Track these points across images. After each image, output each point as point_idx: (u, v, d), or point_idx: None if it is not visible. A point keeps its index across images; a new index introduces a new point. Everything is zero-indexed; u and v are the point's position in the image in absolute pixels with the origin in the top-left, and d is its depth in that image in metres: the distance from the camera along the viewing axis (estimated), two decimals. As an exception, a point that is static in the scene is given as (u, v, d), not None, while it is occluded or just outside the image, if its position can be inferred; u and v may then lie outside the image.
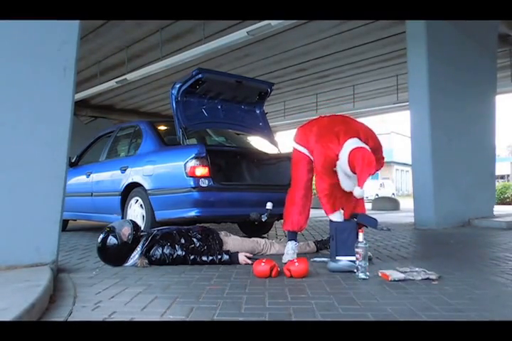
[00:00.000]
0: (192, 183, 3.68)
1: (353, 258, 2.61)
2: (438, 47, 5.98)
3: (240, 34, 6.18)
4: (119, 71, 9.06)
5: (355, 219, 3.12)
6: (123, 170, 4.44)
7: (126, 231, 2.94)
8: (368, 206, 13.89)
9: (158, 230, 3.15)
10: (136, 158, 4.45)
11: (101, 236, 2.95)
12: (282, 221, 3.31)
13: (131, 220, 3.18)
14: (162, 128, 4.75)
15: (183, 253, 2.94)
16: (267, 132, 4.75)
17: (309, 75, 10.20)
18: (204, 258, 2.94)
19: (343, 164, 2.80)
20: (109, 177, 4.75)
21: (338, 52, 8.60)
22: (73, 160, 5.59)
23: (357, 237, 2.61)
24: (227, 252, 3.00)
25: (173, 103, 4.10)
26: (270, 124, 4.91)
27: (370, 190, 24.48)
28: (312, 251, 3.54)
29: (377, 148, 3.02)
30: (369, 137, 2.96)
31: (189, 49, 7.22)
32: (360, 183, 2.75)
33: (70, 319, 1.74)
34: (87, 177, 5.13)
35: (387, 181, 28.85)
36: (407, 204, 11.98)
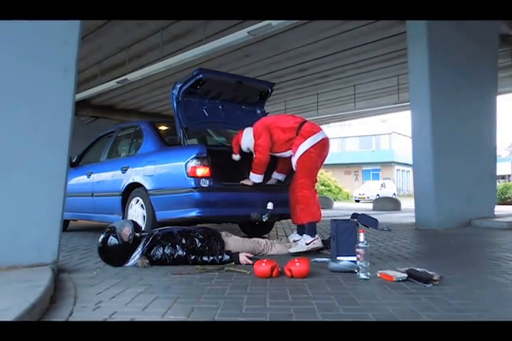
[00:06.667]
0: (193, 183, 3.68)
1: (353, 258, 2.61)
2: (439, 47, 5.98)
3: (240, 34, 6.19)
4: (119, 71, 9.07)
5: (356, 220, 3.12)
6: (124, 171, 4.44)
7: (126, 231, 2.94)
8: (369, 206, 13.94)
9: (159, 230, 3.15)
10: (137, 158, 4.45)
11: (102, 236, 2.95)
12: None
13: (131, 220, 3.19)
14: (163, 128, 4.75)
15: (184, 253, 2.94)
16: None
17: (310, 75, 10.20)
18: (205, 258, 2.94)
19: None
20: (109, 177, 4.75)
21: (338, 52, 8.60)
22: (74, 161, 5.59)
23: (358, 237, 2.60)
24: (228, 252, 3.00)
25: (173, 103, 4.10)
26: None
27: (371, 190, 24.56)
28: (313, 250, 3.53)
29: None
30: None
31: (190, 49, 7.22)
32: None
33: (70, 319, 1.74)
34: (88, 177, 5.14)
35: (388, 181, 28.88)
36: (407, 204, 11.97)
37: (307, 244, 3.41)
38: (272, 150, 3.69)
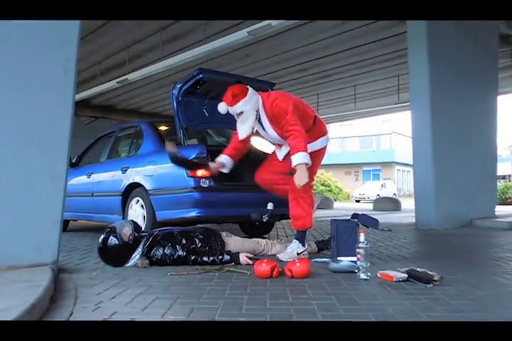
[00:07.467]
0: (193, 183, 3.68)
1: (354, 258, 2.60)
2: (439, 47, 5.97)
3: (240, 34, 6.18)
4: (119, 71, 9.06)
5: (356, 220, 3.12)
6: (124, 171, 4.45)
7: (127, 231, 2.94)
8: (369, 206, 13.94)
9: (159, 231, 3.15)
10: (137, 158, 4.46)
11: (102, 236, 2.95)
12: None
13: (132, 220, 3.18)
14: (163, 128, 4.76)
15: (184, 253, 2.94)
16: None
17: (310, 75, 10.20)
18: (205, 258, 2.93)
19: None
20: (109, 177, 4.75)
21: (339, 53, 8.60)
22: (74, 161, 5.60)
23: (358, 237, 2.60)
24: (228, 253, 3.00)
25: (174, 103, 4.10)
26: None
27: (371, 190, 24.56)
28: (313, 251, 3.53)
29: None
30: None
31: (190, 49, 7.22)
32: None
33: (70, 319, 1.74)
34: (88, 177, 5.14)
35: (389, 181, 28.89)
36: (408, 204, 11.96)
37: (298, 254, 3.23)
38: (279, 135, 3.21)
